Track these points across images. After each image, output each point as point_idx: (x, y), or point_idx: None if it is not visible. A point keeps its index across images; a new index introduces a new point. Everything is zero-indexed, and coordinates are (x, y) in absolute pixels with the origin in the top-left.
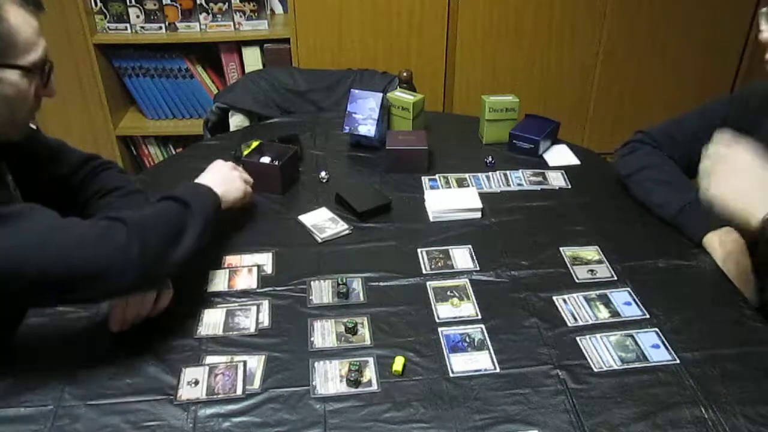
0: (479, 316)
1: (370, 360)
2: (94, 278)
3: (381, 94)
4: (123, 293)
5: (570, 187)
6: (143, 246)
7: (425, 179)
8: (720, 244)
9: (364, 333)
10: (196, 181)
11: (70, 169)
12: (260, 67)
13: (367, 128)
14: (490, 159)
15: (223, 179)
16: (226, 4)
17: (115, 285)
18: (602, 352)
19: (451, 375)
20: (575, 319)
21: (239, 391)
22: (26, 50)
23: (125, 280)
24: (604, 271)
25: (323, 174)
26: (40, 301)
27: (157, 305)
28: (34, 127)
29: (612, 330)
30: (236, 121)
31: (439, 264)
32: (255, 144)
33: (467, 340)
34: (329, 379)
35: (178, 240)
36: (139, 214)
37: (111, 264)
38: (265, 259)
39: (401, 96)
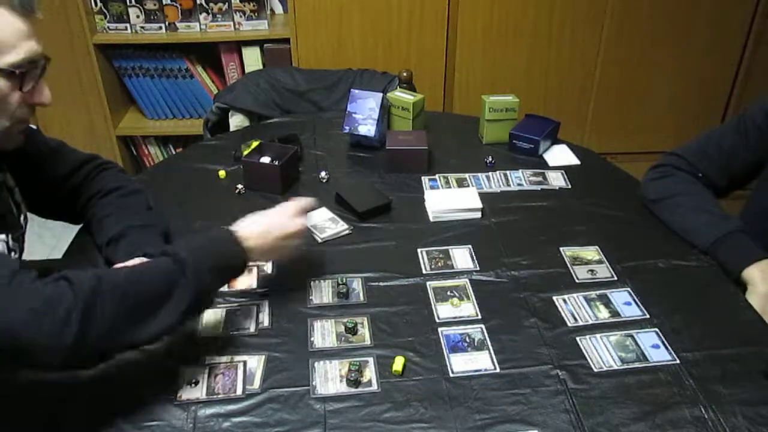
0: (479, 316)
1: (370, 360)
2: (14, 349)
3: (381, 94)
4: (51, 370)
5: (570, 187)
6: (87, 327)
7: (425, 179)
8: (762, 278)
9: (364, 333)
10: (241, 224)
11: (70, 169)
12: (260, 67)
13: (367, 128)
14: (490, 159)
15: (270, 233)
16: (226, 4)
17: (41, 362)
18: (602, 352)
19: (451, 375)
20: (575, 319)
21: (239, 391)
22: (2, 51)
23: (51, 361)
24: (604, 271)
25: (323, 174)
26: None
27: None
28: (34, 127)
29: (612, 330)
30: (236, 121)
31: (439, 264)
32: (255, 144)
33: (467, 340)
34: (329, 379)
35: (146, 319)
36: (106, 280)
37: (40, 340)
38: None
39: (401, 96)
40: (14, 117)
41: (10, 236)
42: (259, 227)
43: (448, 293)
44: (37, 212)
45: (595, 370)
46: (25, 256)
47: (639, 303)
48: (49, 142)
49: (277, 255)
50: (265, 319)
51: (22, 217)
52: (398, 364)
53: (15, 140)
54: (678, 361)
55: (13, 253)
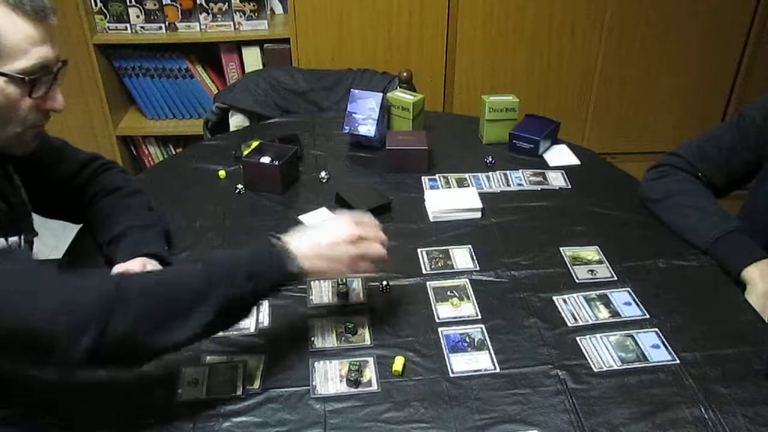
0: (479, 316)
1: (370, 360)
2: (34, 344)
3: (381, 94)
4: (74, 369)
5: (570, 187)
6: (108, 329)
7: (425, 179)
8: (761, 277)
9: (364, 333)
10: (294, 236)
11: (74, 170)
12: (260, 67)
13: (367, 128)
14: (490, 159)
15: (322, 237)
16: (226, 4)
17: (61, 360)
18: (602, 352)
19: (451, 375)
20: (575, 319)
21: (239, 391)
22: (11, 56)
23: (71, 361)
24: (604, 271)
25: (323, 174)
26: None
27: None
28: None
29: (612, 330)
30: (236, 121)
31: (439, 264)
32: (255, 144)
33: (467, 340)
34: (329, 379)
35: (173, 324)
36: (135, 283)
37: (58, 337)
38: None
39: (401, 96)
40: (26, 123)
41: (22, 238)
42: (309, 234)
43: (448, 293)
44: (38, 211)
45: (595, 370)
46: None
47: (639, 303)
48: (53, 141)
49: (339, 263)
50: (265, 319)
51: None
52: (398, 364)
53: (27, 146)
54: (678, 361)
55: None
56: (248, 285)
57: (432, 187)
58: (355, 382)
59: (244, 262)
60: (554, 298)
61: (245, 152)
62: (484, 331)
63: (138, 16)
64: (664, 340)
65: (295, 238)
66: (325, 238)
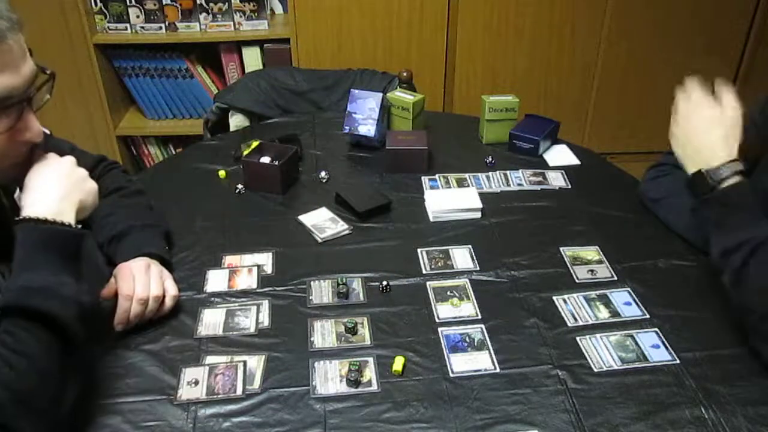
0: (479, 316)
1: (370, 360)
2: None
3: (381, 94)
4: None
5: (570, 187)
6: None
7: (425, 179)
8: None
9: (364, 333)
10: (32, 206)
11: None
12: (260, 67)
13: (367, 128)
14: (490, 159)
15: (70, 183)
16: (226, 4)
17: None
18: (602, 352)
19: (451, 375)
20: (575, 319)
21: (239, 391)
22: None
23: None
24: (604, 271)
25: (323, 174)
26: None
27: (162, 308)
28: (47, 131)
29: (612, 330)
30: (236, 121)
31: (439, 264)
32: (255, 144)
33: (467, 340)
34: (329, 379)
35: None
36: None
37: None
38: (265, 259)
39: (401, 96)
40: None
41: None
42: (47, 191)
43: (448, 293)
44: None
45: (595, 370)
46: None
47: (639, 303)
48: (60, 144)
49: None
50: (265, 319)
51: None
52: (398, 364)
53: (8, 176)
54: (678, 361)
55: None
56: (83, 287)
57: (432, 187)
58: (355, 382)
59: (63, 278)
60: (554, 298)
61: (245, 152)
62: (484, 331)
63: (138, 16)
64: (664, 340)
65: (33, 206)
66: (63, 182)
